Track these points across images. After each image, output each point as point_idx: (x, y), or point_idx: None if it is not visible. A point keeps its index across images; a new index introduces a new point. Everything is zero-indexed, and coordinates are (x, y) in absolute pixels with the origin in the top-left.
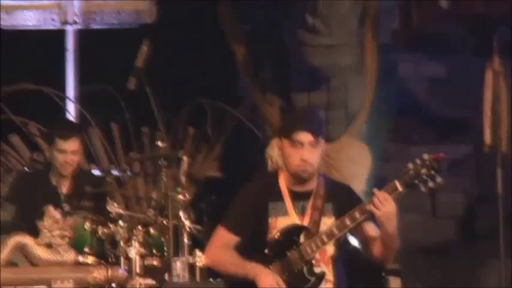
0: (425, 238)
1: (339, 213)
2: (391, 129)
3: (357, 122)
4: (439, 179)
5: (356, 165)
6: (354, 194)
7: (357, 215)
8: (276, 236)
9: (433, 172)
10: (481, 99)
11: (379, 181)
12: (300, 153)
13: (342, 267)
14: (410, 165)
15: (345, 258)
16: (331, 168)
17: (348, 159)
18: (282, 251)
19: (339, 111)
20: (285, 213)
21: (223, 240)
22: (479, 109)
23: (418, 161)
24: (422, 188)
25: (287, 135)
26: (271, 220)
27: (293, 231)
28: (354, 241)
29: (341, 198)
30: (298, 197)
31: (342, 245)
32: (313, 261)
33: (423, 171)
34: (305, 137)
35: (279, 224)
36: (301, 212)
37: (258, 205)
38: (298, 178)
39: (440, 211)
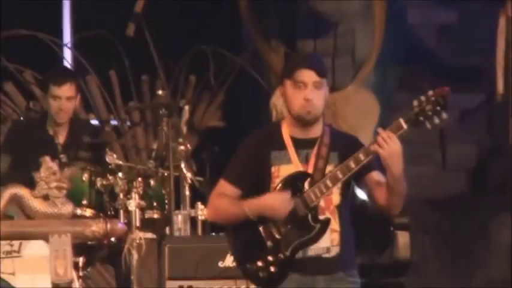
0: (435, 191)
1: None
2: (399, 78)
3: (364, 70)
4: (444, 115)
5: (363, 115)
6: (360, 145)
7: (362, 156)
8: (279, 185)
9: (438, 108)
10: (493, 47)
11: None
12: (304, 94)
13: (348, 218)
14: (415, 102)
15: (351, 209)
16: (337, 118)
17: (355, 108)
18: None
19: (346, 59)
20: (288, 161)
21: (225, 192)
22: (492, 57)
23: (422, 98)
24: (428, 125)
25: (290, 75)
26: (273, 169)
27: (297, 178)
28: (360, 193)
29: (347, 148)
30: (302, 145)
31: (349, 195)
32: (318, 209)
33: (428, 107)
34: (308, 75)
35: (282, 172)
36: (305, 160)
37: (260, 154)
38: (302, 121)
39: (451, 163)
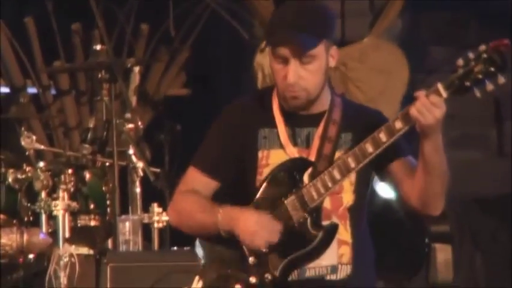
0: (487, 186)
1: None
2: (437, 27)
3: (386, 16)
4: (501, 79)
5: (386, 79)
6: (385, 122)
7: (383, 136)
8: (266, 179)
9: (492, 68)
10: None
11: None
12: (285, 72)
13: (365, 226)
14: (461, 61)
15: (370, 214)
16: (348, 83)
17: (374, 70)
18: (276, 197)
19: (361, 0)
20: (282, 144)
21: (196, 185)
22: None
23: (471, 55)
24: (478, 93)
25: (267, 42)
26: (261, 154)
27: (293, 167)
28: (383, 191)
29: (366, 127)
30: (302, 122)
31: (367, 194)
32: (321, 212)
33: (478, 68)
34: (289, 49)
35: (272, 159)
36: (306, 143)
37: (243, 133)
38: (288, 106)
39: (510, 146)
